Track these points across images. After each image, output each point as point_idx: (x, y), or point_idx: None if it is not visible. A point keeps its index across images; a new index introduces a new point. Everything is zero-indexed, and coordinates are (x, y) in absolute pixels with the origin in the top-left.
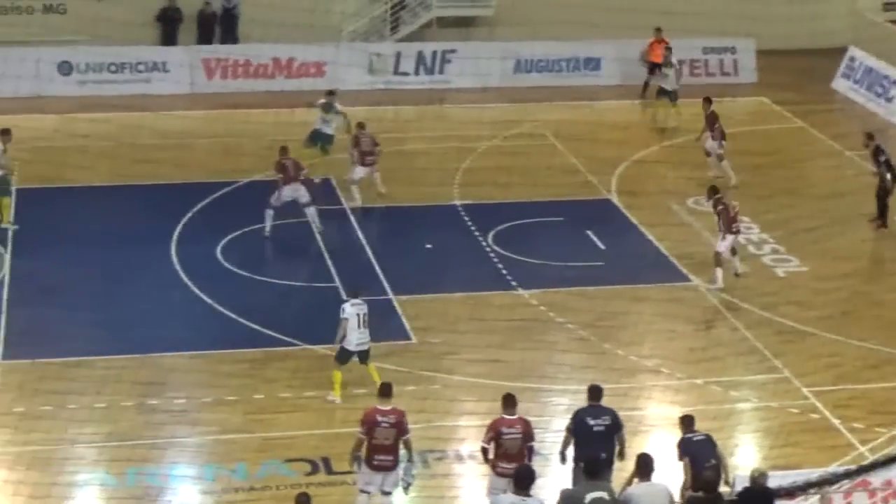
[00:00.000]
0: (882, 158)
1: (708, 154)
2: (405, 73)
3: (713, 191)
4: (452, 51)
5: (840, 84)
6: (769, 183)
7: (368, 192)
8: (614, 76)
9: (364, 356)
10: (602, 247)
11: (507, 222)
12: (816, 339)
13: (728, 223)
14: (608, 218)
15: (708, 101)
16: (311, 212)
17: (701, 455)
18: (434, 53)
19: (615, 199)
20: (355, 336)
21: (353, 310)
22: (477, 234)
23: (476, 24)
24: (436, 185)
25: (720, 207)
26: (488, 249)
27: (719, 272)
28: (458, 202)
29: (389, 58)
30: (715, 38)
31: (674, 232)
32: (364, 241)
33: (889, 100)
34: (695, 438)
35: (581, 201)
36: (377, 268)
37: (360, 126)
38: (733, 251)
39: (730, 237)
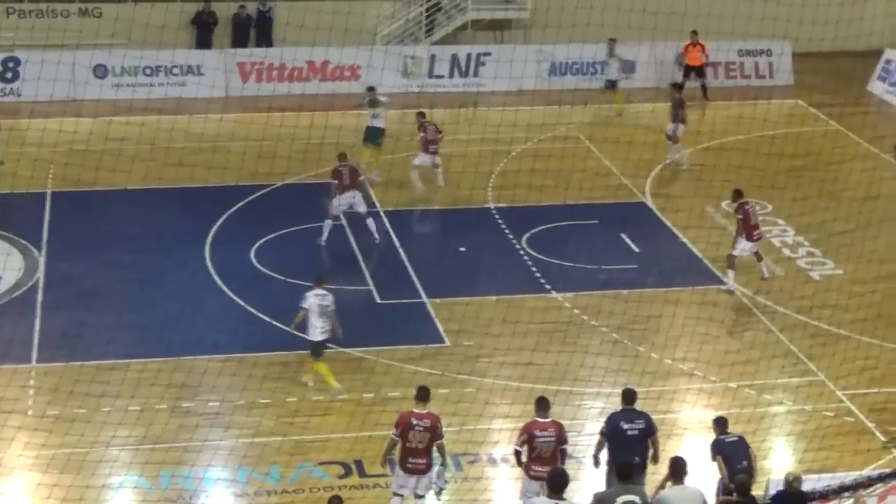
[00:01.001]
0: None
1: (669, 137)
2: (440, 76)
3: (738, 194)
4: (487, 54)
5: (876, 87)
6: (804, 185)
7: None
8: (649, 79)
9: (315, 347)
10: (636, 249)
11: (540, 225)
12: (851, 342)
13: (749, 230)
14: (642, 221)
15: (675, 86)
16: (371, 222)
17: (734, 456)
18: (468, 56)
19: (649, 202)
20: (318, 325)
21: (314, 300)
22: (510, 236)
23: (511, 26)
24: (470, 187)
25: (740, 215)
26: (522, 252)
27: (731, 274)
28: (492, 205)
29: (424, 61)
30: (751, 40)
31: (708, 234)
32: (398, 244)
33: None
34: (728, 440)
35: (615, 204)
36: (411, 271)
37: (421, 114)
38: (758, 256)
39: (747, 243)
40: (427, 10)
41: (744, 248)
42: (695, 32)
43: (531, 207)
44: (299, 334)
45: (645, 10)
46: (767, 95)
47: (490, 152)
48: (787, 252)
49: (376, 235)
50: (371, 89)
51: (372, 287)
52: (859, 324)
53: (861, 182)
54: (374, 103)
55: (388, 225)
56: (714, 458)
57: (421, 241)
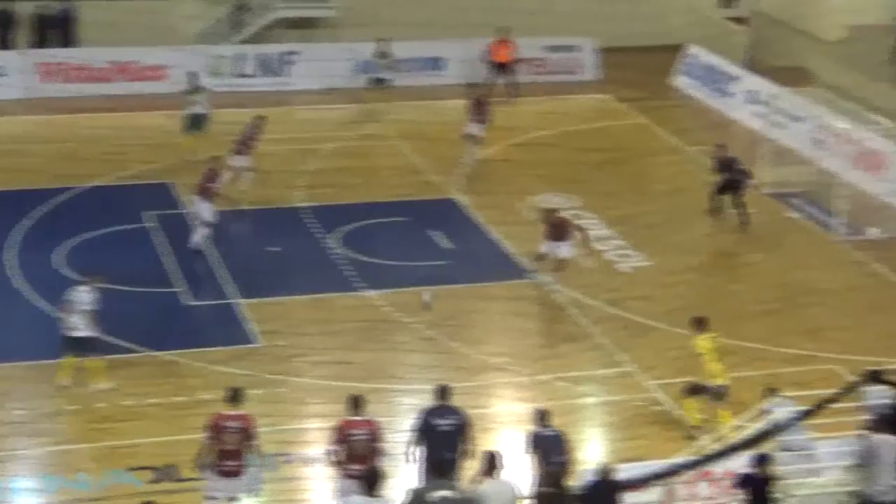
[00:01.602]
0: (737, 167)
1: (469, 138)
2: (248, 76)
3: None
4: (295, 52)
5: (680, 81)
6: (613, 179)
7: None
8: (458, 76)
9: (69, 344)
10: (447, 246)
11: (352, 224)
12: (661, 332)
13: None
14: (452, 217)
15: (473, 86)
16: (203, 232)
17: (550, 450)
18: (277, 55)
19: (459, 199)
20: (78, 322)
21: (78, 296)
22: (322, 236)
23: (319, 25)
24: (281, 187)
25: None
26: (333, 251)
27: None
28: (303, 204)
29: (232, 60)
30: (557, 36)
31: (517, 230)
32: (209, 245)
33: (727, 95)
34: (545, 433)
35: (426, 201)
36: (222, 271)
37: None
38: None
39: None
40: (234, 9)
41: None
42: (504, 29)
43: (342, 206)
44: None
45: (452, 6)
46: (574, 91)
47: (300, 151)
48: (597, 245)
49: (199, 244)
50: (193, 74)
51: (182, 289)
52: (669, 314)
53: (668, 175)
54: (194, 90)
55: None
56: (529, 451)
57: (232, 242)
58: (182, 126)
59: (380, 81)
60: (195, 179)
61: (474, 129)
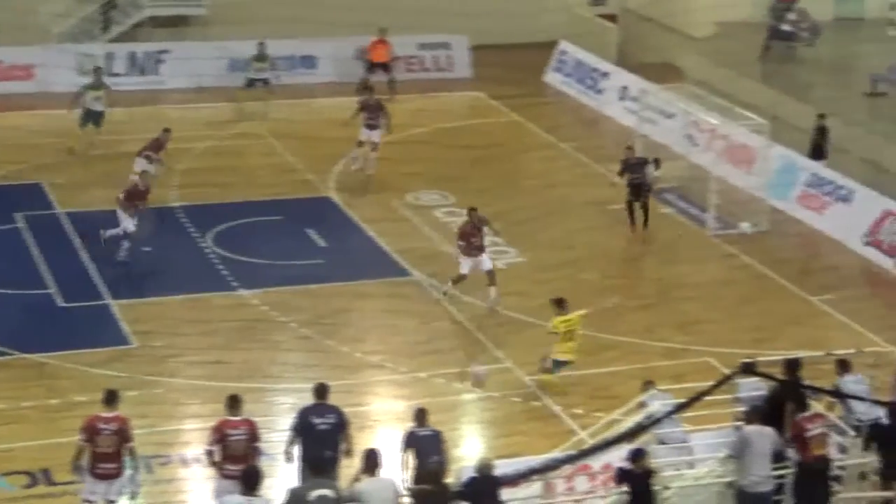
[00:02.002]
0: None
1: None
2: (118, 74)
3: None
4: (166, 51)
5: (552, 77)
6: (487, 176)
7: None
8: (330, 74)
9: None
10: (323, 244)
11: (226, 223)
12: (536, 328)
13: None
14: (328, 215)
15: (364, 89)
16: (125, 245)
17: (426, 450)
18: (147, 54)
19: (334, 197)
20: None
21: None
22: (196, 235)
23: (189, 23)
24: (153, 186)
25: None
26: (208, 251)
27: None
28: (176, 204)
29: (101, 59)
30: (430, 34)
31: (393, 227)
32: (79, 246)
33: (599, 92)
34: (421, 433)
35: (300, 199)
36: (94, 273)
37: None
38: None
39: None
40: (102, 7)
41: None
42: (382, 29)
43: (216, 205)
44: None
45: (324, 5)
46: (448, 88)
47: (172, 150)
48: None
49: (122, 255)
50: (97, 70)
51: (54, 290)
52: (544, 310)
53: (540, 171)
54: (98, 86)
55: (69, 227)
56: (404, 451)
57: (104, 243)
58: (79, 121)
59: (255, 83)
60: (69, 178)
61: (374, 135)
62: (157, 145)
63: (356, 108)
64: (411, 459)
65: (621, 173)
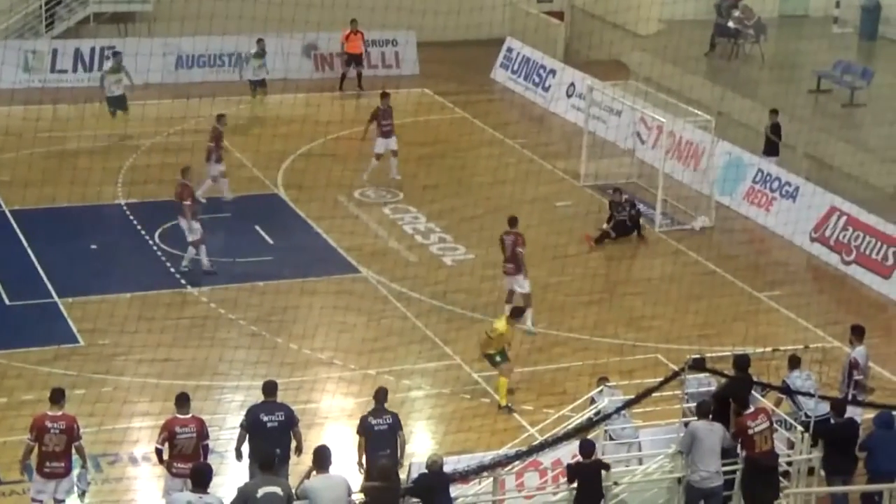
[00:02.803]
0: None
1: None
2: (63, 71)
3: (514, 222)
4: (111, 47)
5: (499, 74)
6: (434, 173)
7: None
8: (277, 70)
9: None
10: (271, 241)
11: (173, 220)
12: (485, 324)
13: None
14: (276, 212)
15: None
16: (192, 252)
17: (376, 443)
18: (92, 50)
19: (282, 194)
20: None
21: None
22: (143, 232)
23: (135, 19)
24: (99, 184)
25: (521, 248)
26: (155, 248)
27: (530, 312)
28: (122, 201)
29: (46, 55)
30: (376, 30)
31: (341, 224)
32: (25, 243)
33: (546, 88)
34: (376, 425)
35: (248, 196)
36: (40, 270)
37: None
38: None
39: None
40: (46, 3)
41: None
42: (353, 21)
43: (163, 202)
44: None
45: (270, 0)
46: (395, 85)
47: (118, 147)
48: (419, 239)
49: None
50: (116, 54)
51: None
52: (492, 306)
53: (488, 168)
54: (116, 69)
55: (14, 225)
56: (358, 434)
57: (50, 240)
58: (109, 107)
59: (255, 85)
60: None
61: (391, 143)
62: (218, 136)
63: (368, 119)
64: (362, 446)
65: (609, 219)
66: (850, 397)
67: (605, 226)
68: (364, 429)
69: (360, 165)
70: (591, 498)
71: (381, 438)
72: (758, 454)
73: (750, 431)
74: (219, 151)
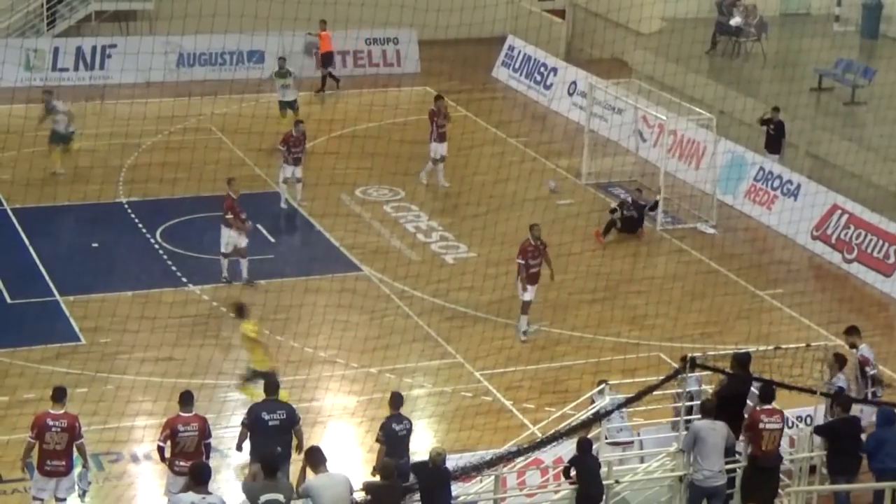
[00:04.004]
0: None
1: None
2: (64, 69)
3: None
4: (112, 46)
5: (500, 72)
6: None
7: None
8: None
9: None
10: (272, 240)
11: (175, 218)
12: (487, 323)
13: (531, 277)
14: (277, 210)
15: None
16: (244, 262)
17: (398, 448)
18: (94, 48)
19: (284, 192)
20: None
21: None
22: (144, 231)
23: (136, 18)
24: (100, 182)
25: (520, 259)
26: (157, 246)
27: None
28: (124, 199)
29: (47, 53)
30: (378, 29)
31: (344, 222)
32: (27, 242)
33: (547, 87)
34: (399, 434)
35: (250, 195)
36: (42, 268)
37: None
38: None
39: (532, 287)
40: (48, 1)
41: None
42: (323, 21)
43: (164, 201)
44: None
45: None
46: (396, 83)
47: (120, 146)
48: (421, 237)
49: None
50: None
51: (1, 287)
52: (494, 305)
53: (490, 166)
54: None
55: (16, 223)
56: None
57: (52, 239)
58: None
59: (285, 106)
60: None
61: (442, 148)
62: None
63: (429, 120)
64: (381, 454)
65: (613, 210)
66: (869, 395)
67: (613, 214)
68: (387, 436)
69: (362, 164)
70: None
71: (401, 444)
72: (762, 453)
73: (761, 426)
74: (292, 154)
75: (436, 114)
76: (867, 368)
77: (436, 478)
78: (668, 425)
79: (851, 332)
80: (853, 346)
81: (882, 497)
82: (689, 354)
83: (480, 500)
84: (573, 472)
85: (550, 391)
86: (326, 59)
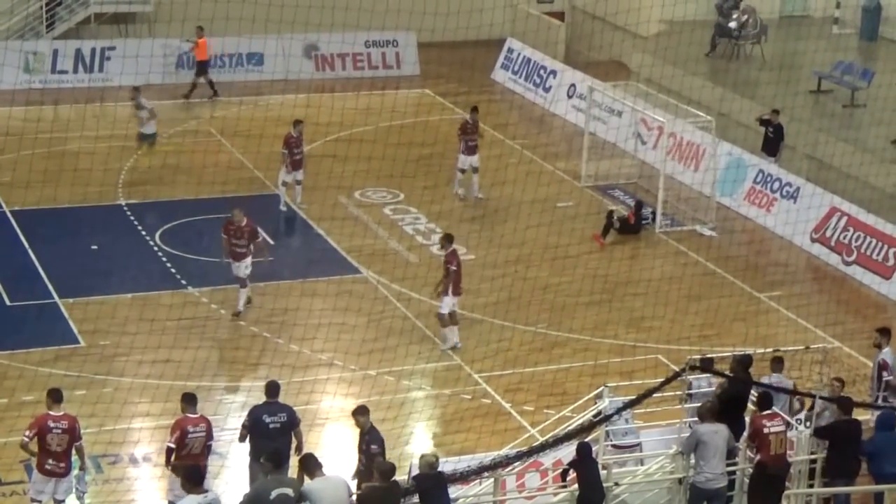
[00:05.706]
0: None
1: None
2: (64, 72)
3: (448, 240)
4: (112, 48)
5: (499, 75)
6: (434, 173)
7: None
8: (277, 71)
9: None
10: (271, 242)
11: (174, 221)
12: (485, 325)
13: (456, 282)
14: (276, 212)
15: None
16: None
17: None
18: (93, 51)
19: (282, 195)
20: None
21: None
22: (144, 233)
23: (135, 20)
24: (100, 185)
25: (453, 266)
26: (156, 248)
27: (449, 331)
28: (123, 202)
29: (46, 56)
30: (377, 31)
31: (341, 225)
32: (26, 244)
33: (546, 89)
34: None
35: (249, 197)
36: (41, 271)
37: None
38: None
39: (454, 298)
40: (47, 4)
41: (452, 302)
42: (201, 28)
43: (164, 203)
44: None
45: (270, 1)
46: (395, 86)
47: (119, 148)
48: (420, 239)
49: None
50: (136, 90)
51: (0, 289)
52: (492, 307)
53: (488, 168)
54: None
55: (15, 225)
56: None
57: (51, 241)
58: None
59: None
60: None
61: (474, 160)
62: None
63: (458, 133)
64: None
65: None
66: (880, 399)
67: (612, 217)
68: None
69: (359, 167)
70: (595, 495)
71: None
72: (772, 457)
73: (766, 431)
74: (292, 158)
75: (468, 125)
76: (884, 373)
77: (433, 481)
78: (667, 427)
79: (884, 332)
80: (878, 346)
81: (882, 500)
82: (695, 356)
83: (480, 502)
84: (570, 476)
85: (549, 393)
86: (201, 67)
